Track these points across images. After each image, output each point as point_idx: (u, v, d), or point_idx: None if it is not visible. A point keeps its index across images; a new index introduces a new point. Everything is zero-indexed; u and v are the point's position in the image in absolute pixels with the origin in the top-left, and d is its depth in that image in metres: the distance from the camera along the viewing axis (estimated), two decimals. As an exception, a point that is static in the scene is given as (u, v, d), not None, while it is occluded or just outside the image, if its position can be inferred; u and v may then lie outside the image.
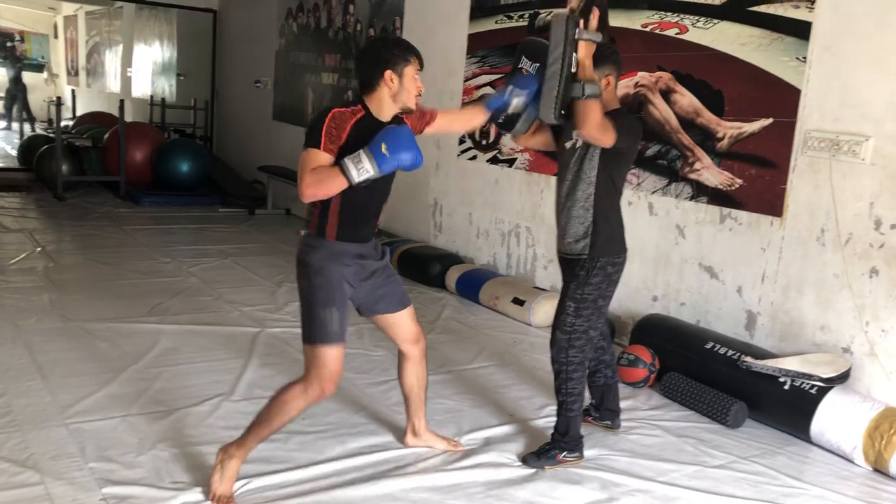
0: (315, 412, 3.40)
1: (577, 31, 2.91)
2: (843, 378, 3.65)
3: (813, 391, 3.61)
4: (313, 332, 2.73)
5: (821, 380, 3.61)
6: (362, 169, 2.58)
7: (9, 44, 17.59)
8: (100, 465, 2.92)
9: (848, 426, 3.46)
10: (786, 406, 3.70)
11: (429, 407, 3.71)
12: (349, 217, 2.73)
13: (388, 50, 2.69)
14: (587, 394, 3.49)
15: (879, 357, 3.72)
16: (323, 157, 2.60)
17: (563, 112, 2.96)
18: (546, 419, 3.69)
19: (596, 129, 2.92)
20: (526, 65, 3.09)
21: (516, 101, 3.04)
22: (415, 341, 3.08)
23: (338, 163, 2.59)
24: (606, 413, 3.62)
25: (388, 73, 2.65)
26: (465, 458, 3.24)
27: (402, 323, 3.04)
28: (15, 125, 15.14)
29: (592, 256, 3.14)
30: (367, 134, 2.62)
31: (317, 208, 2.73)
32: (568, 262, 3.24)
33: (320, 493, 2.86)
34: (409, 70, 2.68)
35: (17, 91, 15.88)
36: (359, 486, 2.93)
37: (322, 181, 2.59)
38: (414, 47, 2.75)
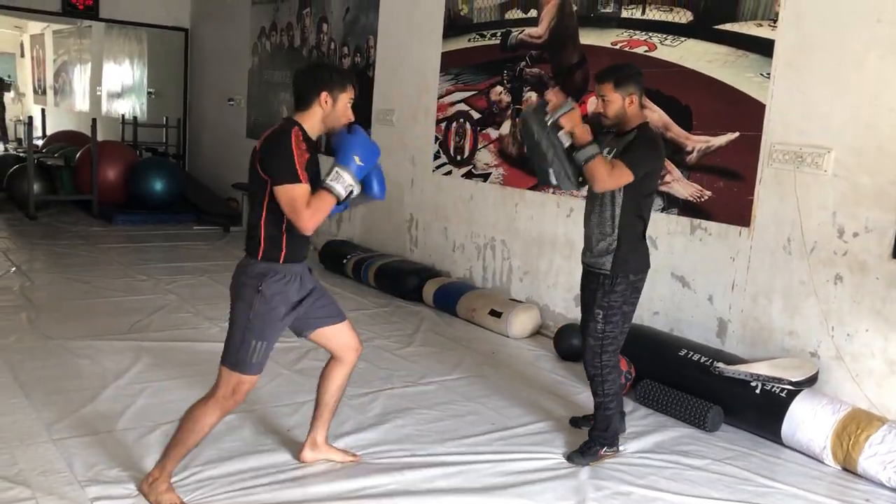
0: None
1: (546, 116, 3.15)
2: (811, 381, 3.78)
3: (783, 395, 3.73)
4: (239, 360, 2.76)
5: (790, 383, 3.74)
6: (347, 185, 2.70)
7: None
8: (89, 479, 2.95)
9: (817, 427, 3.58)
10: (757, 410, 3.82)
11: (412, 417, 3.81)
12: (294, 239, 2.77)
13: (328, 73, 2.79)
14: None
15: (845, 360, 3.86)
16: (307, 188, 2.64)
17: (579, 178, 3.26)
18: (529, 425, 3.78)
19: (608, 182, 3.17)
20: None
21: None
22: (355, 349, 3.12)
23: (322, 187, 2.67)
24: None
25: (324, 94, 2.74)
26: (451, 463, 3.31)
27: (343, 333, 3.08)
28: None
29: (615, 272, 3.33)
30: (312, 151, 2.74)
31: (262, 233, 2.73)
32: (592, 274, 3.43)
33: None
34: (344, 97, 2.78)
35: None
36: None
37: (319, 210, 2.65)
38: (352, 76, 2.85)
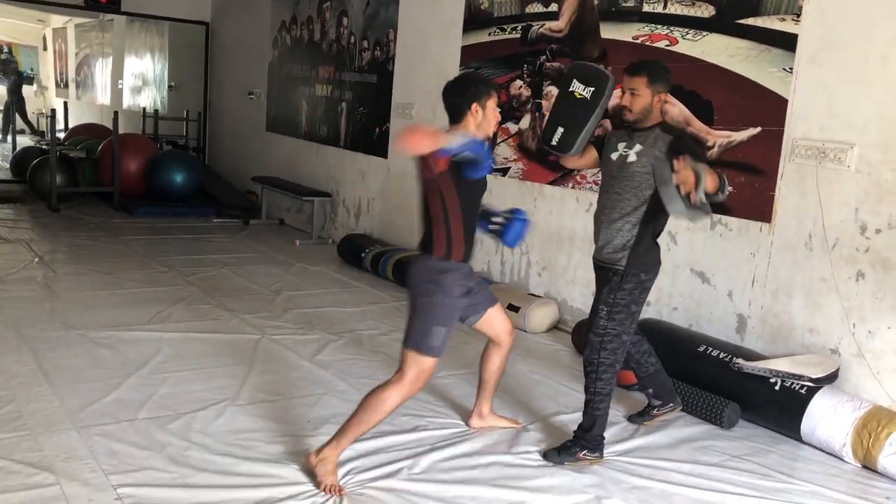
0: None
1: (697, 197, 2.97)
2: (831, 378, 3.76)
3: (803, 391, 3.72)
4: (423, 343, 3.02)
5: (810, 380, 3.72)
6: (459, 143, 2.86)
7: (2, 56, 17.59)
8: (112, 466, 2.99)
9: (837, 424, 3.57)
10: (776, 406, 3.80)
11: (430, 408, 3.83)
12: (468, 240, 3.09)
13: (473, 85, 3.06)
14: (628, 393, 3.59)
15: (866, 358, 3.84)
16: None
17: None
18: (549, 419, 3.79)
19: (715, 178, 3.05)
20: (579, 88, 3.34)
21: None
22: (509, 332, 3.48)
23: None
24: (668, 395, 3.76)
25: (474, 105, 3.01)
26: (471, 454, 3.33)
27: (497, 317, 3.43)
28: (9, 137, 15.11)
29: (627, 269, 3.29)
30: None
31: (442, 232, 3.02)
32: (602, 269, 3.40)
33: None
34: (491, 103, 3.05)
35: (15, 102, 15.87)
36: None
37: (417, 132, 2.76)
38: (493, 83, 3.20)
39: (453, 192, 2.98)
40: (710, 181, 2.98)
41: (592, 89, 3.29)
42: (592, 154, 3.52)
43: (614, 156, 3.36)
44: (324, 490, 2.92)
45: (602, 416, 3.37)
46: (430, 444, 3.45)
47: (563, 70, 3.40)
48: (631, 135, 3.35)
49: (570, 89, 3.37)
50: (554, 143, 3.42)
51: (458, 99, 3.03)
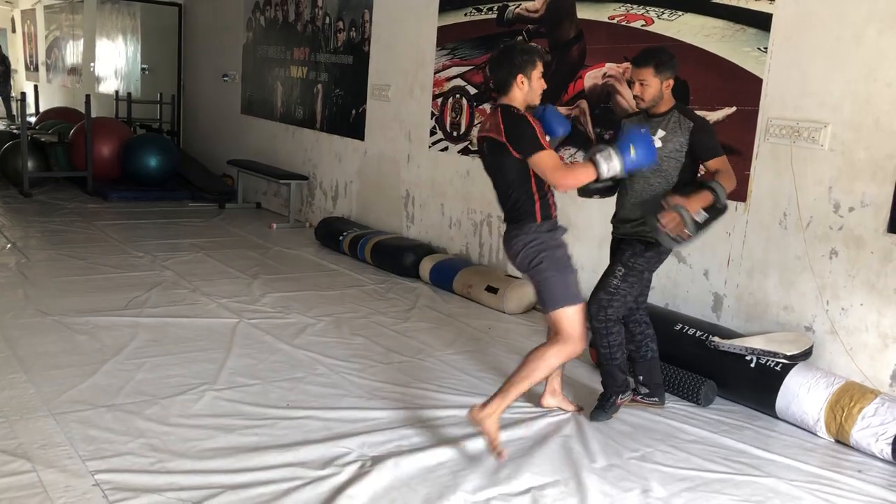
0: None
1: (687, 229, 3.31)
2: (805, 355, 3.81)
3: (777, 368, 3.77)
4: (567, 297, 3.14)
5: (785, 357, 3.77)
6: (612, 167, 3.03)
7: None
8: (90, 453, 2.97)
9: (811, 400, 3.62)
10: (752, 383, 3.85)
11: (410, 389, 3.83)
12: (545, 203, 3.20)
13: (516, 57, 3.12)
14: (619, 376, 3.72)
15: (840, 335, 3.89)
16: (554, 153, 3.10)
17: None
18: (521, 400, 3.80)
19: (734, 181, 3.45)
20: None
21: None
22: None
23: (590, 158, 3.06)
24: (656, 388, 3.82)
25: (520, 76, 3.10)
26: (451, 436, 3.34)
27: None
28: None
29: (656, 241, 3.43)
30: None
31: (530, 199, 3.14)
32: (625, 241, 3.57)
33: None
34: (536, 73, 3.13)
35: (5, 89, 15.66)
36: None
37: (576, 175, 3.11)
38: (538, 50, 3.25)
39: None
40: (727, 181, 3.35)
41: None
42: None
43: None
44: (493, 447, 3.10)
45: (620, 365, 3.61)
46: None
47: None
48: (649, 119, 3.49)
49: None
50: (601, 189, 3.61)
51: (502, 72, 3.12)
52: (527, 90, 3.13)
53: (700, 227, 3.32)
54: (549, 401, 3.69)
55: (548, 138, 3.15)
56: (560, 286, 3.15)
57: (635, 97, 3.49)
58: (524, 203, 3.16)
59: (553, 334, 3.19)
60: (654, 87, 3.41)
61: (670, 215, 3.26)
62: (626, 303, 3.57)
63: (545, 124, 3.19)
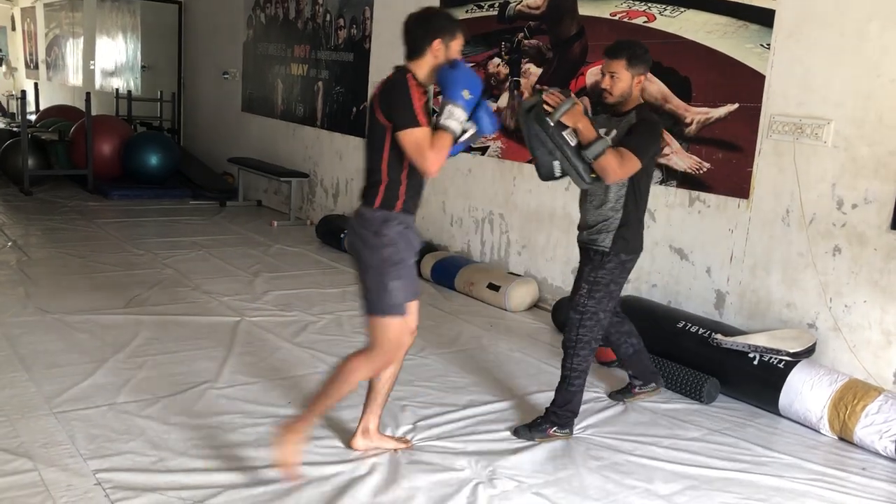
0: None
1: (548, 118, 3.04)
2: (809, 352, 3.80)
3: (781, 365, 3.75)
4: (382, 305, 2.78)
5: (788, 354, 3.76)
6: (460, 120, 2.70)
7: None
8: (91, 451, 2.96)
9: (814, 398, 3.61)
10: (755, 380, 3.84)
11: (412, 388, 3.82)
12: (413, 189, 2.83)
13: (441, 20, 2.79)
14: (615, 371, 3.60)
15: (843, 332, 3.88)
16: (428, 131, 2.68)
17: (592, 174, 3.14)
18: (529, 396, 3.80)
19: (619, 174, 3.12)
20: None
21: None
22: (412, 333, 3.06)
23: (438, 126, 2.69)
24: (650, 376, 3.79)
25: (437, 42, 2.73)
26: (452, 434, 3.33)
27: (411, 312, 2.99)
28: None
29: (612, 250, 3.30)
30: (426, 96, 2.76)
31: (383, 179, 2.77)
32: (586, 250, 3.41)
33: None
34: (455, 44, 2.77)
35: None
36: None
37: (441, 149, 2.67)
38: (462, 25, 2.85)
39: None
40: (612, 155, 3.06)
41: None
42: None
43: None
44: (279, 466, 2.80)
45: (577, 394, 3.39)
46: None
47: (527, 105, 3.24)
48: (611, 120, 3.35)
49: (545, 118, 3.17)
50: (583, 179, 3.23)
51: (419, 31, 2.75)
52: (442, 59, 2.74)
53: (559, 141, 3.08)
54: (360, 443, 3.14)
55: (452, 125, 2.69)
56: (382, 291, 2.77)
57: (603, 90, 3.27)
58: (380, 184, 2.77)
59: (369, 344, 2.85)
60: (625, 81, 3.22)
61: (557, 96, 3.07)
62: (599, 321, 3.34)
63: (477, 119, 2.80)
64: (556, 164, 3.20)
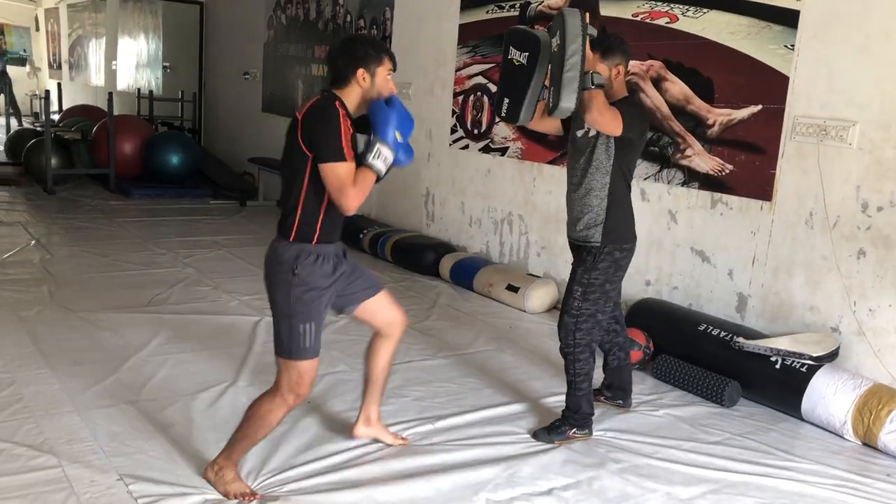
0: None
1: (587, 25, 2.93)
2: (832, 356, 3.76)
3: (803, 369, 3.72)
4: (291, 348, 2.66)
5: (811, 358, 3.72)
6: (387, 161, 2.61)
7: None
8: (114, 448, 2.99)
9: (838, 403, 3.57)
10: (777, 384, 3.81)
11: (431, 388, 3.82)
12: (330, 219, 2.68)
13: (362, 48, 2.69)
14: (600, 374, 3.61)
15: (867, 336, 3.84)
16: (353, 167, 2.57)
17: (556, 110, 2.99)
18: (549, 398, 3.79)
19: (602, 115, 3.01)
20: (515, 56, 3.15)
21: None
22: (400, 323, 3.06)
23: (364, 164, 2.59)
24: (619, 392, 3.74)
25: (360, 71, 2.65)
26: (472, 436, 3.33)
27: (385, 308, 3.01)
28: (1, 119, 15.02)
29: (603, 244, 3.25)
30: (353, 127, 2.65)
31: (298, 211, 2.64)
32: (577, 248, 3.36)
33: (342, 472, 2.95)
34: (381, 70, 2.69)
35: (3, 85, 15.79)
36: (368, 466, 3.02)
37: (363, 189, 2.57)
38: (387, 48, 2.77)
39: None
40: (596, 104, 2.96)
41: (528, 54, 3.10)
42: (556, 121, 3.39)
43: (580, 133, 3.31)
44: (234, 497, 2.71)
45: (586, 396, 3.35)
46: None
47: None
48: None
49: (509, 57, 3.19)
50: (503, 114, 3.24)
51: (342, 60, 2.66)
52: (368, 87, 2.66)
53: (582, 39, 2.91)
54: (361, 430, 3.18)
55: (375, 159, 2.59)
56: (293, 333, 2.64)
57: None
58: (296, 214, 2.64)
59: (275, 383, 2.73)
60: (602, 74, 3.09)
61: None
62: (598, 323, 3.31)
63: (396, 161, 2.69)
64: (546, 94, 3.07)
